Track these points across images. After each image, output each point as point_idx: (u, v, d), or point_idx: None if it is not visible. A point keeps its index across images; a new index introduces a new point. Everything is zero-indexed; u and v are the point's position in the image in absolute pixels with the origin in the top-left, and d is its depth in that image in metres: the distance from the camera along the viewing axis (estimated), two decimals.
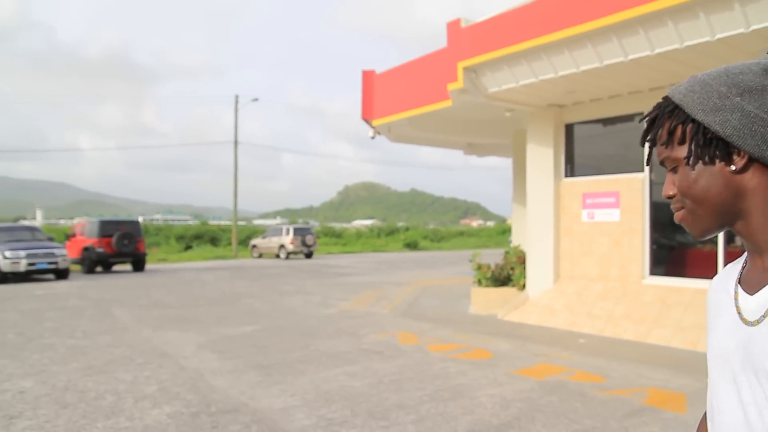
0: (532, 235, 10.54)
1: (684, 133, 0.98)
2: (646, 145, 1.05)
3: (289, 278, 18.70)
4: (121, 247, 21.51)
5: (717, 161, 0.96)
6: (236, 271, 22.01)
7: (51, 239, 20.24)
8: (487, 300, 11.43)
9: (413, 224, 73.21)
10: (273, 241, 31.07)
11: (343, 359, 7.15)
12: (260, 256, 32.19)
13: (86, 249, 21.62)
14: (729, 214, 0.97)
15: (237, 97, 34.26)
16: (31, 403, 5.51)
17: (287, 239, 29.92)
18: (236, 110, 34.26)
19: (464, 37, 9.04)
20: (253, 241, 33.33)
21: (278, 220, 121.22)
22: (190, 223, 66.68)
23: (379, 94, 11.91)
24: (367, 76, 12.07)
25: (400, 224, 67.02)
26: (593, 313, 9.03)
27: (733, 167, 0.95)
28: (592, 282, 9.61)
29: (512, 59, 8.56)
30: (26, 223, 36.86)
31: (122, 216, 55.15)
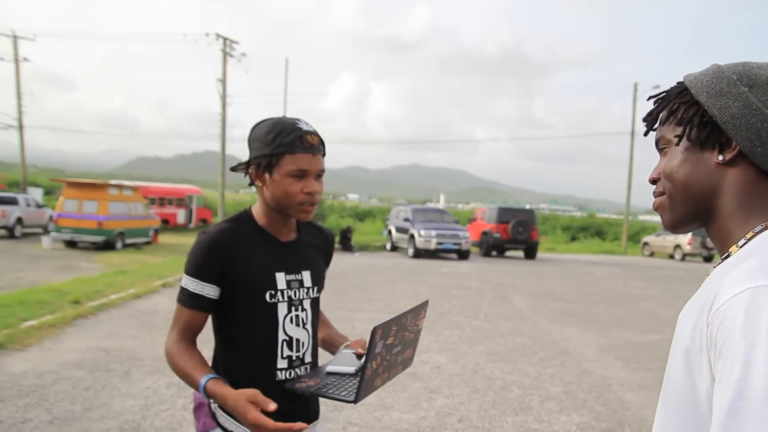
0: None
1: (684, 114, 0.94)
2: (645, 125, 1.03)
3: (689, 283, 16.80)
4: (516, 234, 22.33)
5: (707, 147, 0.92)
6: (629, 269, 20.80)
7: (456, 222, 22.15)
8: None
9: None
10: (668, 240, 28.57)
11: None
12: (652, 254, 29.99)
13: (485, 233, 23.07)
14: (703, 209, 0.94)
15: (636, 85, 32.47)
16: (446, 381, 5.82)
17: (684, 239, 27.14)
18: (635, 99, 32.43)
19: None
20: (646, 239, 31.22)
21: None
22: (575, 214, 66.36)
23: None
24: None
25: None
26: None
27: (720, 157, 0.91)
28: None
29: None
30: (432, 205, 41.33)
31: (511, 203, 57.77)
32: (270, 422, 1.43)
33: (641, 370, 6.64)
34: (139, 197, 19.90)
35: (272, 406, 1.45)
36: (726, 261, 0.89)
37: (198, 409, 1.73)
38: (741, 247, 0.89)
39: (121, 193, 18.66)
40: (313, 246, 1.88)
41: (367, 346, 1.49)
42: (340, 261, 17.84)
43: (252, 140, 1.70)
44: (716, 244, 0.95)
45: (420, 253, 20.27)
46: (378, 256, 21.11)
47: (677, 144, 0.95)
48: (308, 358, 1.76)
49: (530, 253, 23.19)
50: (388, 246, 23.26)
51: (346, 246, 22.03)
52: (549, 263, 21.70)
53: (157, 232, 20.80)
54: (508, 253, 24.62)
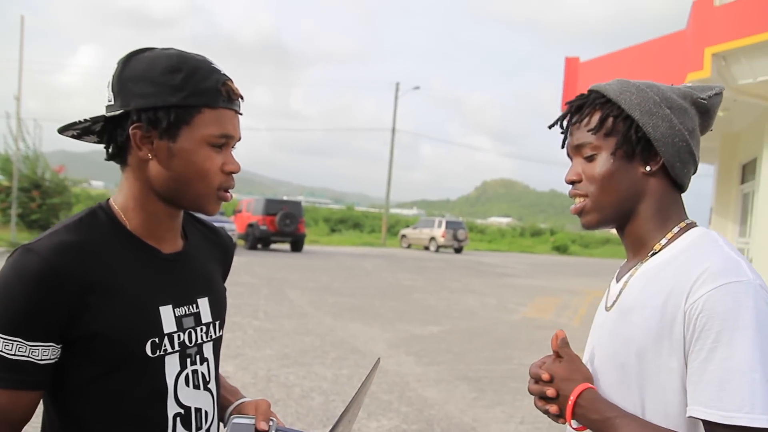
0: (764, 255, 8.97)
1: (614, 126, 1.04)
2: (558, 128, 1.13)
3: (449, 273, 18.00)
4: (283, 226, 21.87)
5: (635, 159, 1.04)
6: (392, 261, 21.67)
7: (222, 213, 21.02)
8: None
9: (552, 226, 69.04)
10: (424, 233, 30.62)
11: None
12: (409, 246, 31.90)
13: (251, 225, 22.24)
14: (626, 211, 1.06)
15: (398, 84, 34.15)
16: None
17: (438, 232, 29.32)
18: (396, 98, 34.13)
19: (716, 18, 7.71)
20: (404, 231, 33.11)
21: (414, 211, 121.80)
22: (332, 207, 68.29)
23: (584, 85, 10.75)
24: (571, 65, 10.93)
25: (543, 226, 63.64)
26: None
27: (648, 168, 1.04)
28: None
29: None
30: None
31: (269, 194, 57.21)
32: None
33: (432, 364, 6.63)
34: None
35: None
36: (659, 256, 1.03)
37: None
38: (664, 245, 1.04)
39: None
40: (208, 257, 1.21)
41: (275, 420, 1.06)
42: None
43: (132, 79, 1.00)
44: (629, 242, 1.09)
45: None
46: None
47: (612, 153, 1.04)
48: None
49: (297, 245, 22.96)
50: None
51: None
52: (316, 256, 21.70)
53: None
54: (274, 246, 24.13)
